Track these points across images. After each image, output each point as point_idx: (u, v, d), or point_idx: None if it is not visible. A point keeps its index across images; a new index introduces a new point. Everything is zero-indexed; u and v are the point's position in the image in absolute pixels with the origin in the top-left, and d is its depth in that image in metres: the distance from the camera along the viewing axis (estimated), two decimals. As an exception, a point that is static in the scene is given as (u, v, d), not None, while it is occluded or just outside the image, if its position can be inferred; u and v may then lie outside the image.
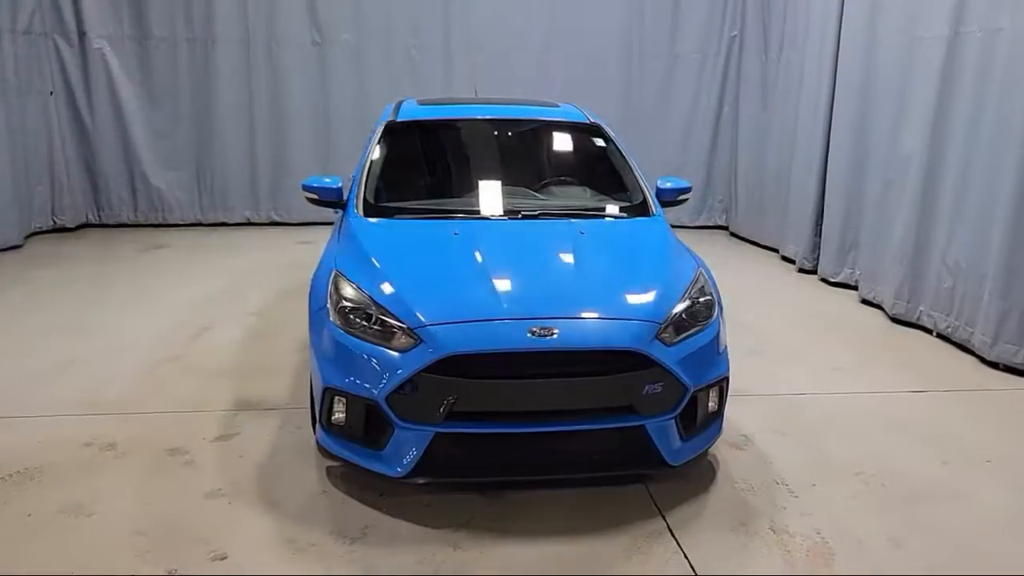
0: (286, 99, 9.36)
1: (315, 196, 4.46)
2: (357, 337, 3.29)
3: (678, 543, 3.13)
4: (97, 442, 3.86)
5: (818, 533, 3.22)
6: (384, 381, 3.16)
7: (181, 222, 9.39)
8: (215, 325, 5.74)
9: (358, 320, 3.34)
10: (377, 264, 3.60)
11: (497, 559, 3.03)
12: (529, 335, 3.16)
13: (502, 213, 4.19)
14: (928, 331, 5.87)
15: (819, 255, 7.50)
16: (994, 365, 5.17)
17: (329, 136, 9.48)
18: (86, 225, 9.13)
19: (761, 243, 8.93)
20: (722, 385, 3.52)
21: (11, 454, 3.70)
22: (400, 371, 3.14)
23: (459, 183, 4.47)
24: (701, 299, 3.52)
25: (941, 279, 5.71)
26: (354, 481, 3.51)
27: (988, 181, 5.24)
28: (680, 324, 3.36)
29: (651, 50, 9.76)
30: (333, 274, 3.57)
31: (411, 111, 4.95)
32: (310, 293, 3.71)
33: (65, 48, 8.79)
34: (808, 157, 7.69)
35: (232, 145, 9.35)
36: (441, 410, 3.13)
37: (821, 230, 7.45)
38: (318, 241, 8.61)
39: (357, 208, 4.18)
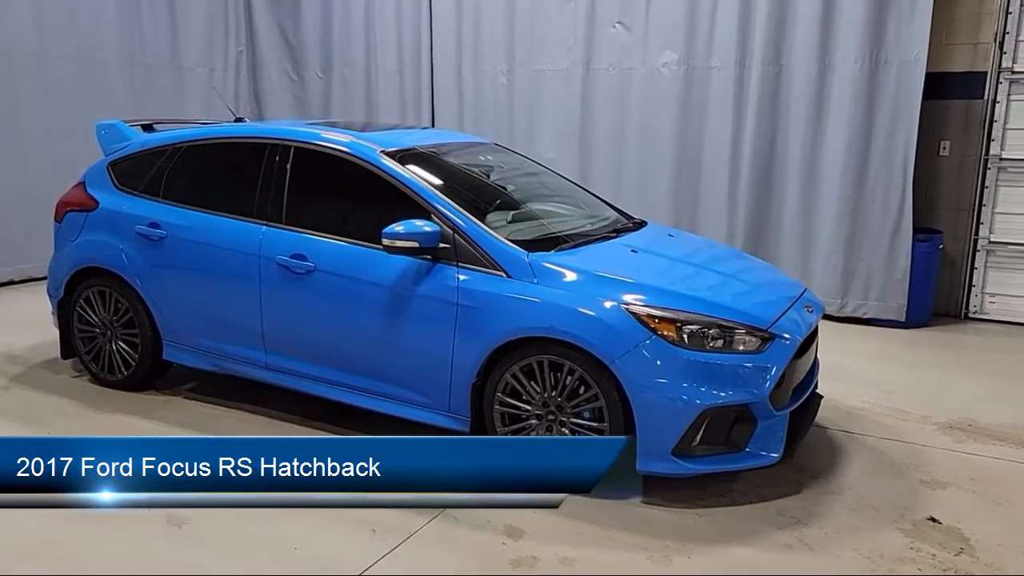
0: None
1: (414, 244, 3.76)
2: (716, 352, 3.53)
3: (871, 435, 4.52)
4: None
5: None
6: (768, 380, 3.56)
7: None
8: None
9: (700, 337, 3.54)
10: (661, 286, 3.77)
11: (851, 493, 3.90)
12: (807, 311, 3.99)
13: (607, 230, 4.42)
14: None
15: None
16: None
17: None
18: None
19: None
20: None
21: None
22: (777, 366, 3.59)
23: (526, 207, 4.39)
24: None
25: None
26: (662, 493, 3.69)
27: (643, 172, 7.48)
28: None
29: (155, 62, 8.92)
30: (630, 307, 3.59)
31: (390, 140, 4.34)
32: (592, 340, 3.59)
33: None
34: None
35: None
36: (791, 392, 3.73)
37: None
38: None
39: (512, 248, 3.82)
